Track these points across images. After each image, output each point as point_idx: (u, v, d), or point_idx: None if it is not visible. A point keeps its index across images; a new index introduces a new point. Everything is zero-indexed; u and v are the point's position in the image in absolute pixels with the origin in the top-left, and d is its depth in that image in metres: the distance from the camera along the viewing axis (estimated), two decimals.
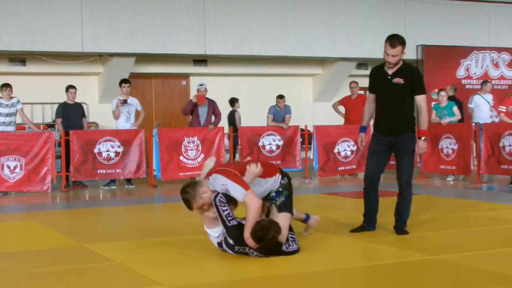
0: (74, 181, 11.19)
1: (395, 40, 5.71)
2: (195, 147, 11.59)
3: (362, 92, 13.53)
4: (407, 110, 5.94)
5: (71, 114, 11.33)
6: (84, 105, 12.15)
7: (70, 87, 11.44)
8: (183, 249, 5.46)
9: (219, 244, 5.07)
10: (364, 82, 17.02)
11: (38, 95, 13.62)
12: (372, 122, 6.34)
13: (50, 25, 12.83)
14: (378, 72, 6.04)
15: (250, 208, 4.86)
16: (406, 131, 5.91)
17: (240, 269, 4.75)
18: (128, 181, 11.40)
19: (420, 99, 5.88)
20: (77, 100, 11.78)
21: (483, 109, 12.23)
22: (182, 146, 11.50)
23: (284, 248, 5.00)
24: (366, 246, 5.52)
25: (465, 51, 16.49)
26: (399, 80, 5.83)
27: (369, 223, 6.09)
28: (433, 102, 12.47)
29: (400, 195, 6.04)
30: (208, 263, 4.95)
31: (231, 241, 4.94)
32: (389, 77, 5.87)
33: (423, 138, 5.92)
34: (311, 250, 5.27)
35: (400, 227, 5.99)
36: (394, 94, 5.88)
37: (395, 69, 5.86)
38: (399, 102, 5.87)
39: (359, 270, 4.72)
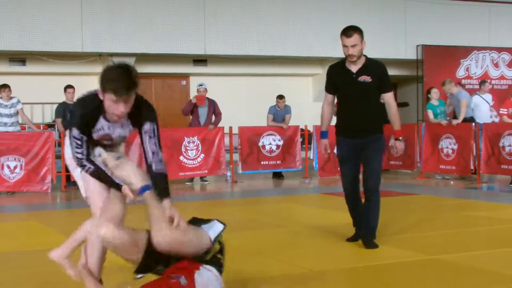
0: (74, 181, 11.20)
1: (349, 30, 5.24)
2: (195, 147, 11.59)
3: None
4: (376, 110, 5.44)
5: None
6: None
7: (68, 87, 11.45)
8: None
9: None
10: None
11: (38, 95, 13.62)
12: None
13: (50, 25, 12.83)
14: (339, 71, 5.43)
15: None
16: (375, 133, 5.42)
17: (237, 269, 4.75)
18: None
19: (388, 97, 5.40)
20: None
21: (482, 109, 12.23)
22: (182, 146, 11.50)
23: None
24: None
25: (465, 51, 16.49)
26: (366, 78, 5.28)
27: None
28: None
29: (367, 201, 5.41)
30: None
31: None
32: (354, 75, 5.30)
33: (400, 138, 5.47)
34: (311, 250, 5.27)
35: (368, 238, 5.36)
36: (361, 93, 5.32)
37: (359, 65, 5.30)
38: (367, 102, 5.34)
39: (359, 270, 4.72)
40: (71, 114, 3.72)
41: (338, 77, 5.44)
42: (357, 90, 5.32)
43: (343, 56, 5.35)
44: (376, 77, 5.30)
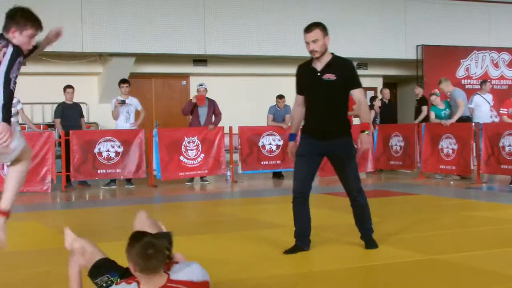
0: (79, 181, 11.24)
1: (309, 25, 5.09)
2: (195, 147, 11.59)
3: None
4: (342, 111, 5.20)
5: (69, 114, 11.36)
6: (84, 105, 12.15)
7: (67, 87, 11.46)
8: (182, 250, 5.45)
9: None
10: (364, 82, 17.05)
11: (38, 95, 13.62)
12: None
13: (50, 25, 12.79)
14: (305, 69, 5.27)
15: None
16: (343, 135, 5.16)
17: (237, 269, 4.75)
18: (128, 181, 11.40)
19: (357, 93, 5.14)
20: (78, 100, 11.78)
21: (483, 109, 12.25)
22: (182, 146, 11.51)
23: None
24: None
25: (465, 51, 16.49)
26: (330, 76, 5.06)
27: (304, 241, 5.25)
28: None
29: (355, 205, 5.31)
30: (205, 265, 4.94)
31: None
32: (319, 73, 5.11)
33: (366, 132, 5.11)
34: (311, 250, 5.27)
35: (368, 238, 5.32)
36: (325, 92, 5.09)
37: (324, 63, 5.11)
38: (332, 102, 5.11)
39: (359, 270, 4.72)
40: (13, 50, 4.16)
41: (304, 76, 5.28)
42: (321, 89, 5.11)
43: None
44: (341, 75, 5.08)
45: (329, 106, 5.12)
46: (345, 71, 5.13)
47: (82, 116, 11.64)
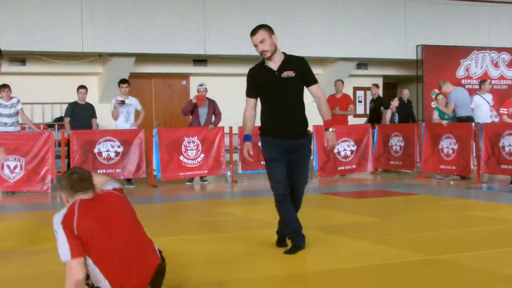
0: None
1: (254, 28, 5.10)
2: (195, 147, 11.59)
3: (362, 92, 13.46)
4: (303, 108, 5.21)
5: (80, 114, 11.35)
6: None
7: (80, 87, 11.48)
8: (182, 250, 5.45)
9: None
10: (364, 82, 17.11)
11: (38, 95, 13.62)
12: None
13: (50, 25, 12.83)
14: (260, 71, 5.24)
15: (67, 281, 3.61)
16: (306, 135, 5.22)
17: (237, 269, 4.75)
18: (128, 181, 11.40)
19: (315, 89, 5.20)
20: None
21: (483, 109, 12.25)
22: (182, 146, 11.50)
23: None
24: (365, 246, 5.51)
25: (465, 51, 16.49)
26: (289, 73, 5.08)
27: (299, 238, 5.22)
28: (433, 103, 12.53)
29: (296, 203, 5.28)
30: (205, 264, 4.94)
31: None
32: (277, 72, 5.11)
33: (330, 129, 5.19)
34: (311, 250, 5.27)
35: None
36: (287, 90, 5.10)
37: (279, 62, 5.12)
38: (295, 100, 5.15)
39: (359, 270, 4.71)
40: None
41: (260, 78, 5.23)
42: (281, 87, 5.10)
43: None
44: (299, 71, 5.11)
45: (291, 104, 5.14)
46: (301, 67, 5.16)
47: (94, 116, 11.61)
